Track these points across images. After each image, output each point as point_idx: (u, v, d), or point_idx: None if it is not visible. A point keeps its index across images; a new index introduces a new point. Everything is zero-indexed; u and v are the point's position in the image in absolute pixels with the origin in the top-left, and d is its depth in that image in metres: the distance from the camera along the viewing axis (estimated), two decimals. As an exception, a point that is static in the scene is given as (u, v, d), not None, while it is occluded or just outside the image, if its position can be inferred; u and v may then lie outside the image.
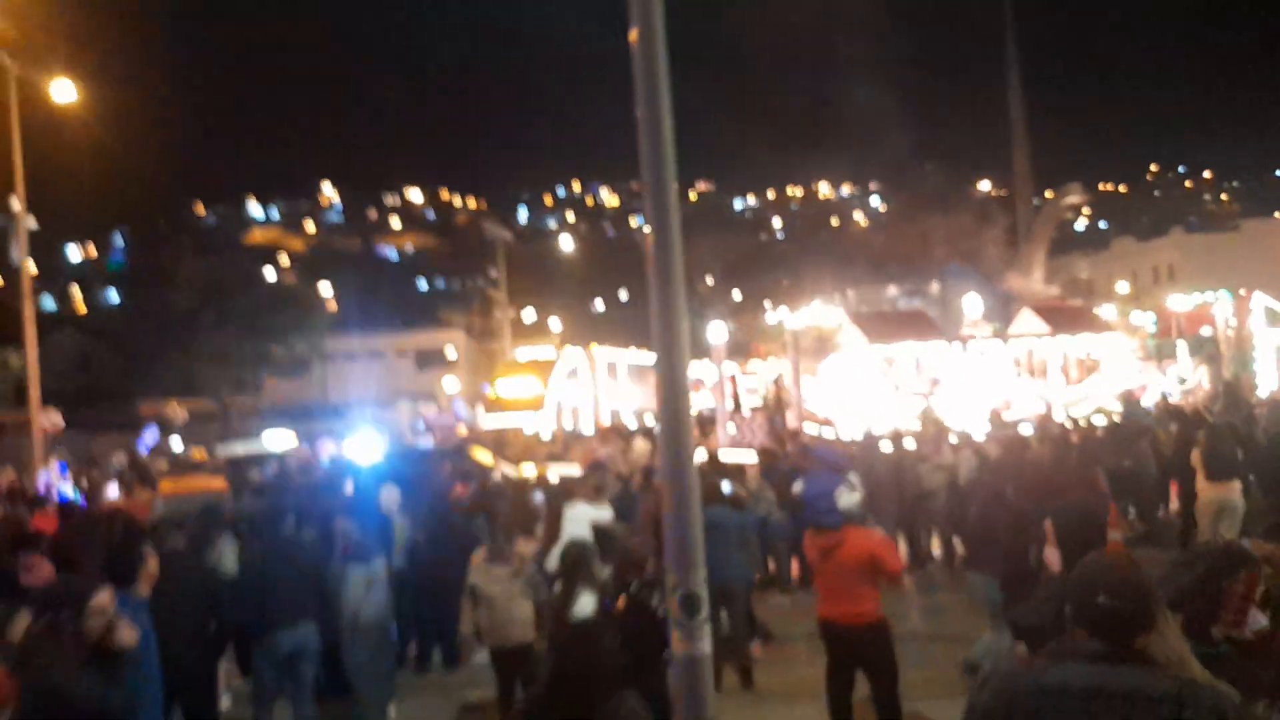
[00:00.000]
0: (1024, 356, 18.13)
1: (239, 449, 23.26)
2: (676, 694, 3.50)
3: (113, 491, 11.96)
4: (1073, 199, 36.88)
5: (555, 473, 12.52)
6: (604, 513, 7.28)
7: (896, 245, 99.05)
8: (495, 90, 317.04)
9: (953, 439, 12.81)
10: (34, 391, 16.07)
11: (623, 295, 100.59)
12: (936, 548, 12.09)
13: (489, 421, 28.26)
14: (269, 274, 45.21)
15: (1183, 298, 20.88)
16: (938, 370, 17.66)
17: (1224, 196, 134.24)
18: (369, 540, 7.32)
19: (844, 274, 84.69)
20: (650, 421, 27.56)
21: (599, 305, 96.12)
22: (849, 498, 6.11)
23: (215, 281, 29.79)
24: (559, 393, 28.06)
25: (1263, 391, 16.21)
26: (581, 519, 6.65)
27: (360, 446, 14.52)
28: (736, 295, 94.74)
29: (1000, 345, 18.20)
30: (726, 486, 8.86)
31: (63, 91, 17.09)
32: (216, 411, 31.86)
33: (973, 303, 20.66)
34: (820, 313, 18.33)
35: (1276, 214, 60.69)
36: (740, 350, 69.05)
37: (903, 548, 11.60)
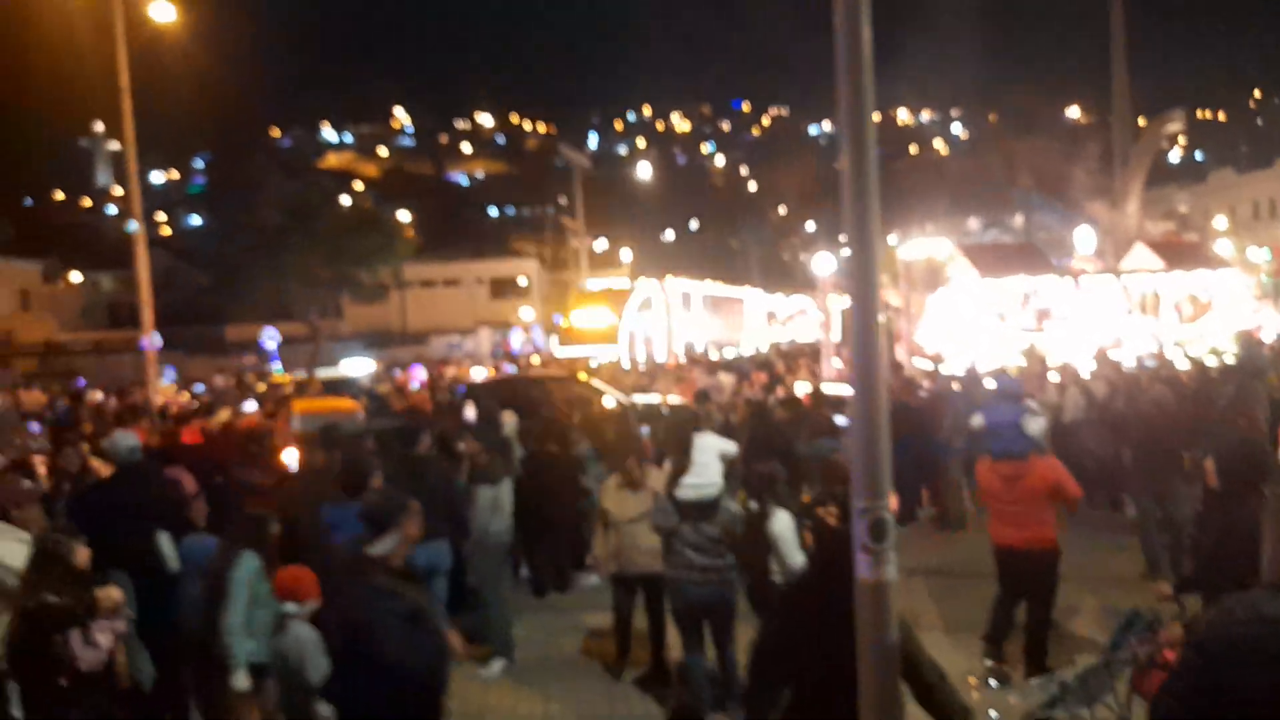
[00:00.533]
0: (1137, 293, 17.33)
1: (328, 373, 23.89)
2: (862, 620, 3.42)
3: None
4: (1173, 126, 34.69)
5: (647, 402, 12.43)
6: (728, 444, 7.09)
7: (979, 173, 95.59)
8: (565, 14, 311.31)
9: (1055, 376, 12.43)
10: (147, 314, 16.50)
11: (693, 225, 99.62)
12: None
13: (563, 352, 28.25)
14: (345, 199, 45.30)
15: None
16: (1048, 305, 17.06)
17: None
18: (494, 462, 7.36)
19: (923, 205, 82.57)
20: (730, 353, 27.26)
21: (670, 234, 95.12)
22: (1036, 425, 6.56)
23: (302, 203, 30.03)
24: (632, 324, 27.99)
25: None
26: (710, 449, 6.40)
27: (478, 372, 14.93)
28: (810, 226, 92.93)
29: (1113, 280, 17.41)
30: (841, 420, 8.70)
31: (163, 12, 17.11)
32: (307, 334, 32.48)
33: (1085, 236, 19.80)
34: (931, 244, 17.80)
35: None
36: (811, 285, 68.14)
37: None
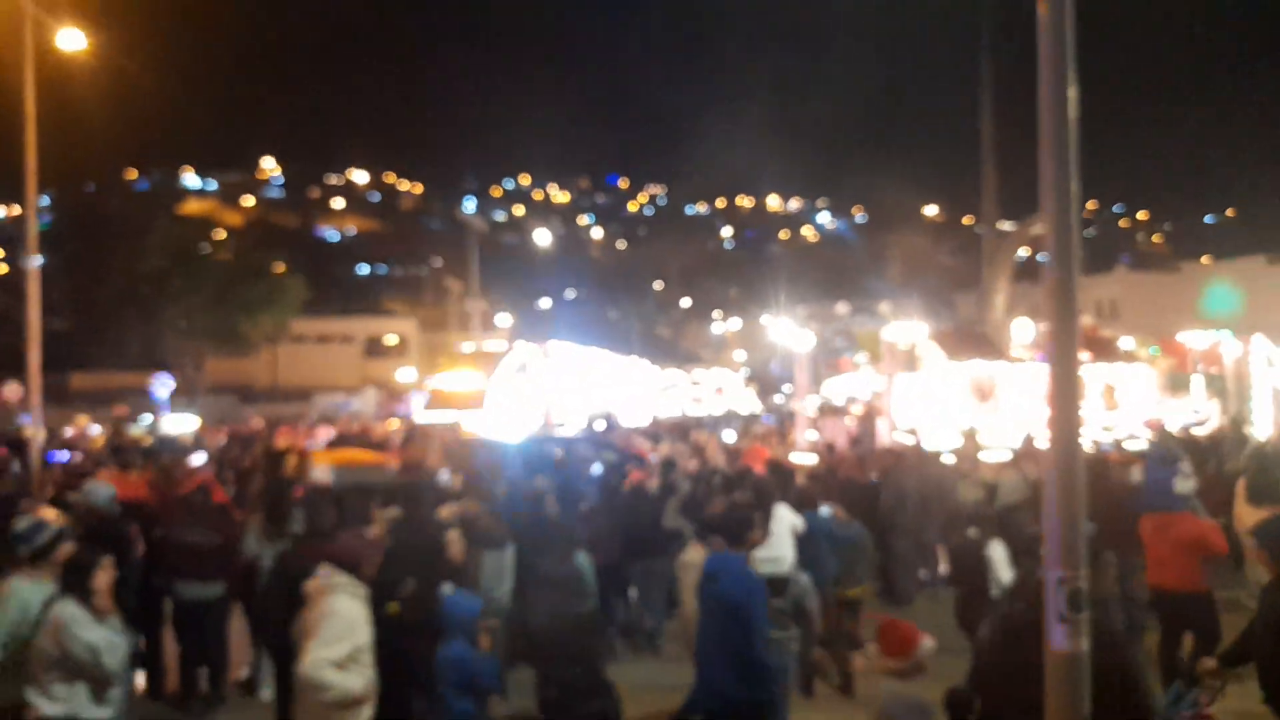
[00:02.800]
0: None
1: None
2: (1053, 690, 3.45)
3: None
4: (1038, 229, 37.60)
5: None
6: (798, 519, 7.17)
7: (847, 260, 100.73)
8: (447, 79, 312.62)
9: (994, 456, 12.92)
10: (34, 355, 15.03)
11: (569, 294, 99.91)
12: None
13: (428, 416, 26.86)
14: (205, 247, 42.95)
15: (1199, 334, 22.10)
16: (998, 389, 17.97)
17: (1155, 238, 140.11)
18: (498, 525, 7.42)
19: (795, 288, 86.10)
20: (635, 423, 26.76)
21: (546, 302, 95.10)
22: (1185, 485, 7.28)
23: (184, 249, 28.03)
24: (503, 388, 27.36)
25: (1259, 430, 16.84)
26: (784, 521, 6.53)
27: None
28: (685, 302, 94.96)
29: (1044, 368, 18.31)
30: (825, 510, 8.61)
31: (72, 40, 16.10)
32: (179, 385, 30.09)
33: (1023, 326, 21.12)
34: (909, 327, 18.85)
35: (1204, 259, 63.59)
36: (690, 358, 69.42)
37: (943, 562, 11.65)
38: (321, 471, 9.44)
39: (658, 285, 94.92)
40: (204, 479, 9.40)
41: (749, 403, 40.09)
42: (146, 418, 24.20)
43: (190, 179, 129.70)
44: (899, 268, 57.60)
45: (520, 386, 28.70)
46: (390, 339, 57.47)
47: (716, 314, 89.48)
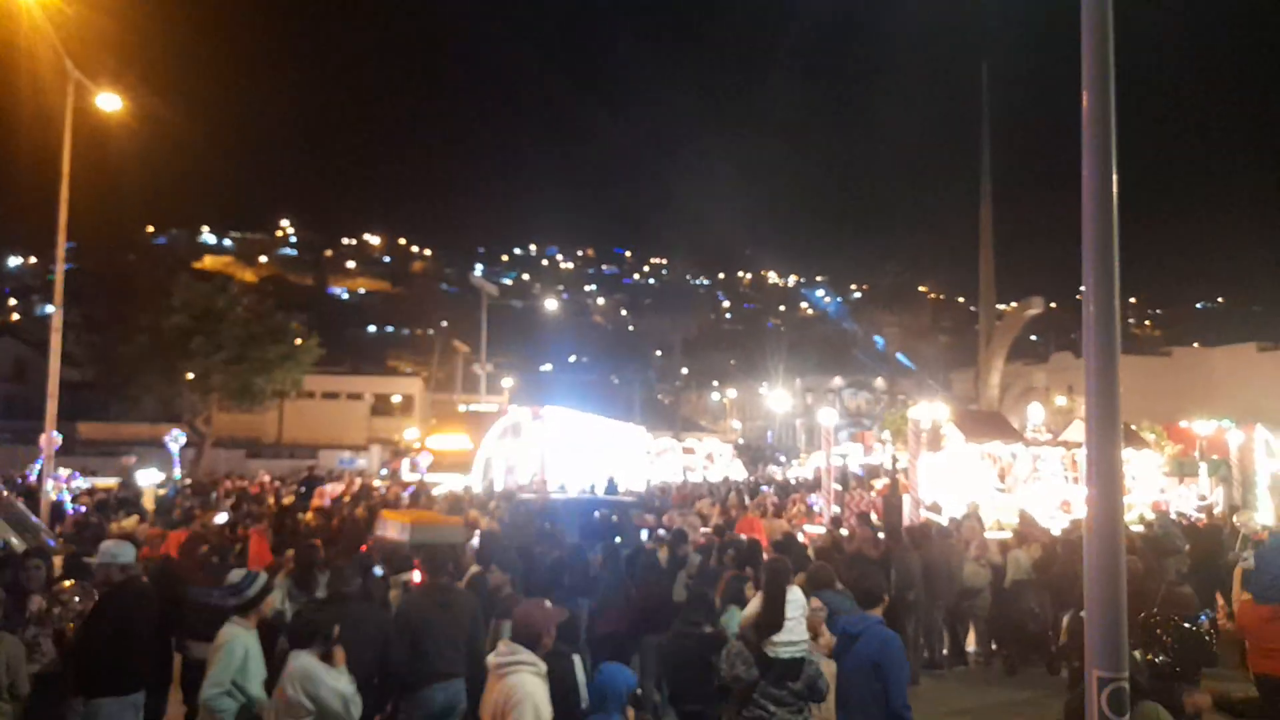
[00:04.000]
0: (1069, 462, 19.01)
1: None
2: None
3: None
4: (1033, 310, 38.60)
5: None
6: (804, 601, 6.79)
7: (842, 335, 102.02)
8: (460, 149, 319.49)
9: (1002, 535, 13.32)
10: (51, 406, 15.45)
11: (571, 359, 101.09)
12: (972, 644, 12.32)
13: (414, 476, 27.00)
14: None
15: (1205, 422, 22.34)
16: (1015, 470, 18.79)
17: (1147, 323, 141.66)
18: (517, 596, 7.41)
19: (793, 360, 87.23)
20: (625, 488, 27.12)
21: (548, 366, 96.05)
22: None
23: (207, 307, 29.18)
24: (492, 451, 27.45)
25: (1262, 517, 17.01)
26: (799, 604, 6.19)
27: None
28: (685, 370, 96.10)
29: (1058, 451, 19.14)
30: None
31: (109, 103, 17.11)
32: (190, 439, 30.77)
33: (1035, 410, 21.92)
34: (934, 408, 19.54)
35: (1196, 344, 64.50)
36: (688, 425, 69.86)
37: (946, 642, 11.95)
38: (396, 529, 9.49)
39: (659, 354, 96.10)
40: (222, 539, 9.90)
41: (737, 472, 40.72)
42: (151, 472, 24.31)
43: (207, 237, 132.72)
44: (895, 344, 58.38)
45: (511, 448, 29.24)
46: (397, 398, 58.46)
47: (715, 383, 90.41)
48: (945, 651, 11.97)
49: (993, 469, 18.68)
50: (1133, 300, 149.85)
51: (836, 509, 16.87)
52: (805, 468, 46.25)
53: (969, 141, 38.78)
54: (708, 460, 42.61)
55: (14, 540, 10.24)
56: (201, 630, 7.61)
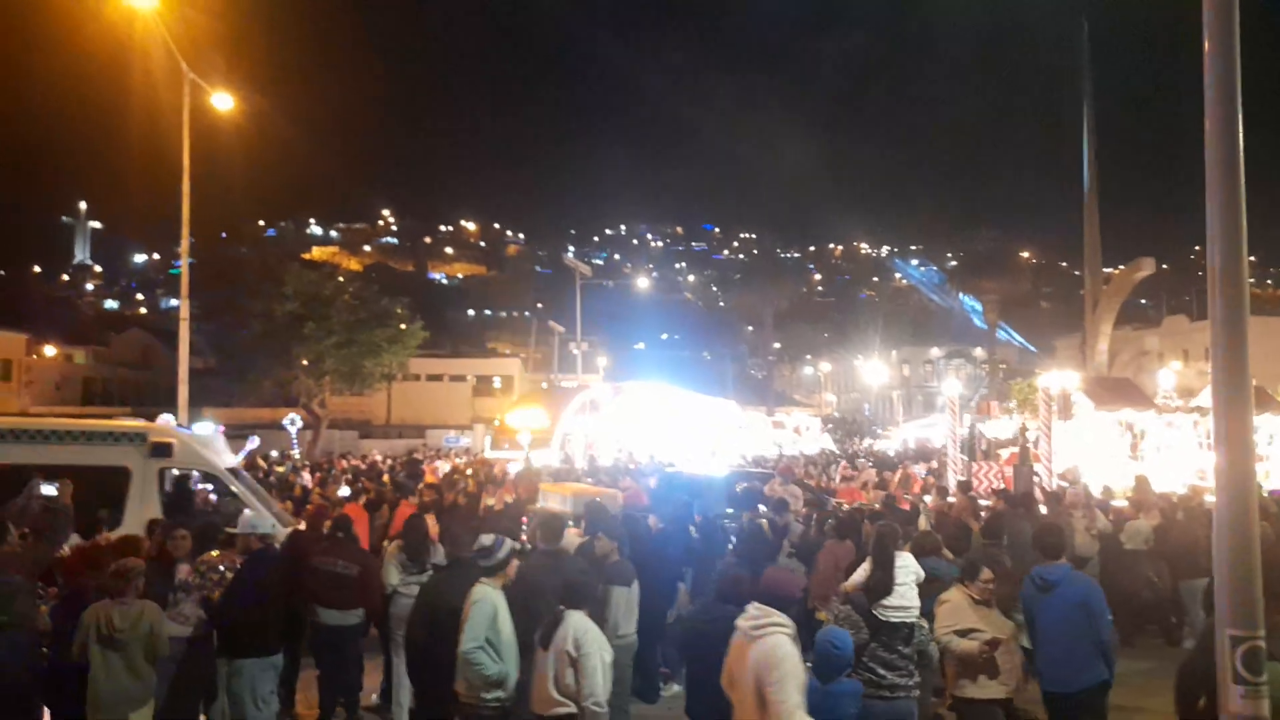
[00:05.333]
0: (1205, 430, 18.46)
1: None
2: None
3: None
4: (1144, 272, 36.98)
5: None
6: (918, 566, 6.84)
7: (939, 306, 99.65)
8: (550, 135, 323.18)
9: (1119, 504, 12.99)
10: (183, 392, 16.53)
11: (663, 337, 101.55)
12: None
13: (495, 452, 27.58)
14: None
15: None
16: (1141, 437, 18.39)
17: (1268, 283, 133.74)
18: (627, 562, 7.69)
19: (886, 333, 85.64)
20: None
21: (641, 345, 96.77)
22: None
23: (316, 295, 30.65)
24: (570, 426, 27.65)
25: None
26: (910, 569, 6.30)
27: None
28: (777, 345, 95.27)
29: (1194, 418, 18.56)
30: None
31: (224, 102, 17.93)
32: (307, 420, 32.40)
33: (1165, 376, 21.26)
34: (1064, 376, 19.23)
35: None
36: (782, 400, 69.31)
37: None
38: (558, 500, 10.01)
39: (750, 329, 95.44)
40: (345, 511, 10.08)
41: (825, 445, 40.48)
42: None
43: (314, 228, 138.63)
44: (994, 312, 56.60)
45: (589, 424, 29.21)
46: (497, 380, 60.11)
47: (808, 357, 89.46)
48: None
49: (1124, 437, 18.12)
50: (1251, 259, 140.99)
51: (962, 479, 16.67)
52: (892, 439, 45.66)
53: (1070, 100, 37.31)
54: (795, 433, 42.40)
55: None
56: (326, 597, 8.26)
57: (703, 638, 5.54)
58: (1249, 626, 3.14)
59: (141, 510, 9.79)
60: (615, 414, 28.65)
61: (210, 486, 11.59)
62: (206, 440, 11.70)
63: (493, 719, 5.90)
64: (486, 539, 6.20)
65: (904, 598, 6.09)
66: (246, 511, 8.39)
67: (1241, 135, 3.45)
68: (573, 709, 5.54)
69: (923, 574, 6.82)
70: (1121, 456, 17.73)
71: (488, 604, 5.88)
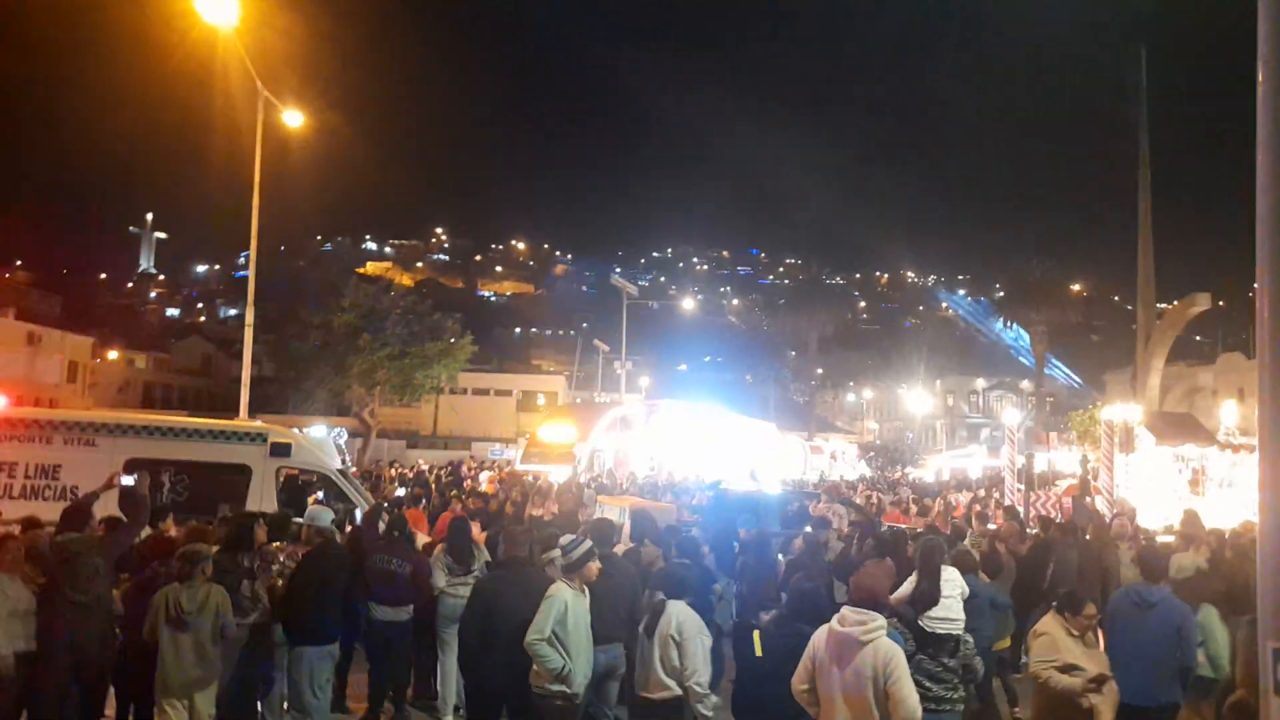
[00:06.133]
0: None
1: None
2: None
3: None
4: (1198, 308, 36.27)
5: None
6: (963, 582, 6.97)
7: (981, 335, 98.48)
8: (599, 158, 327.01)
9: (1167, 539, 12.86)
10: (244, 395, 17.06)
11: (706, 359, 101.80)
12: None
13: (525, 465, 27.41)
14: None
15: None
16: (1203, 471, 18.27)
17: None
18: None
19: (934, 360, 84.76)
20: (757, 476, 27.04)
21: (684, 367, 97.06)
22: None
23: (373, 308, 31.57)
24: (599, 442, 27.75)
25: None
26: (955, 583, 6.44)
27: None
28: (820, 370, 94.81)
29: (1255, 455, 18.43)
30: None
31: (295, 119, 18.59)
32: (357, 429, 33.23)
33: (1229, 411, 21.15)
34: (1126, 409, 19.23)
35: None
36: (824, 425, 68.88)
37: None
38: (615, 512, 10.47)
39: (793, 353, 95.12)
40: (402, 513, 10.70)
41: (862, 471, 40.37)
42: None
43: (369, 244, 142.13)
44: (1042, 344, 55.65)
45: (620, 440, 29.27)
46: (540, 396, 60.74)
47: (851, 383, 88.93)
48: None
49: (1184, 473, 17.97)
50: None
51: (1008, 505, 16.66)
52: (927, 469, 45.27)
53: (1126, 131, 36.87)
54: (831, 459, 42.32)
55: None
56: (381, 593, 8.52)
57: (777, 652, 5.60)
58: None
59: (261, 504, 10.27)
60: (649, 432, 28.80)
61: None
62: (320, 443, 12.32)
63: (564, 710, 6.11)
64: (565, 538, 6.47)
65: (950, 610, 6.16)
66: (312, 506, 8.76)
67: None
68: (678, 691, 5.85)
69: (969, 590, 6.96)
70: (1182, 491, 17.54)
71: (559, 600, 6.10)
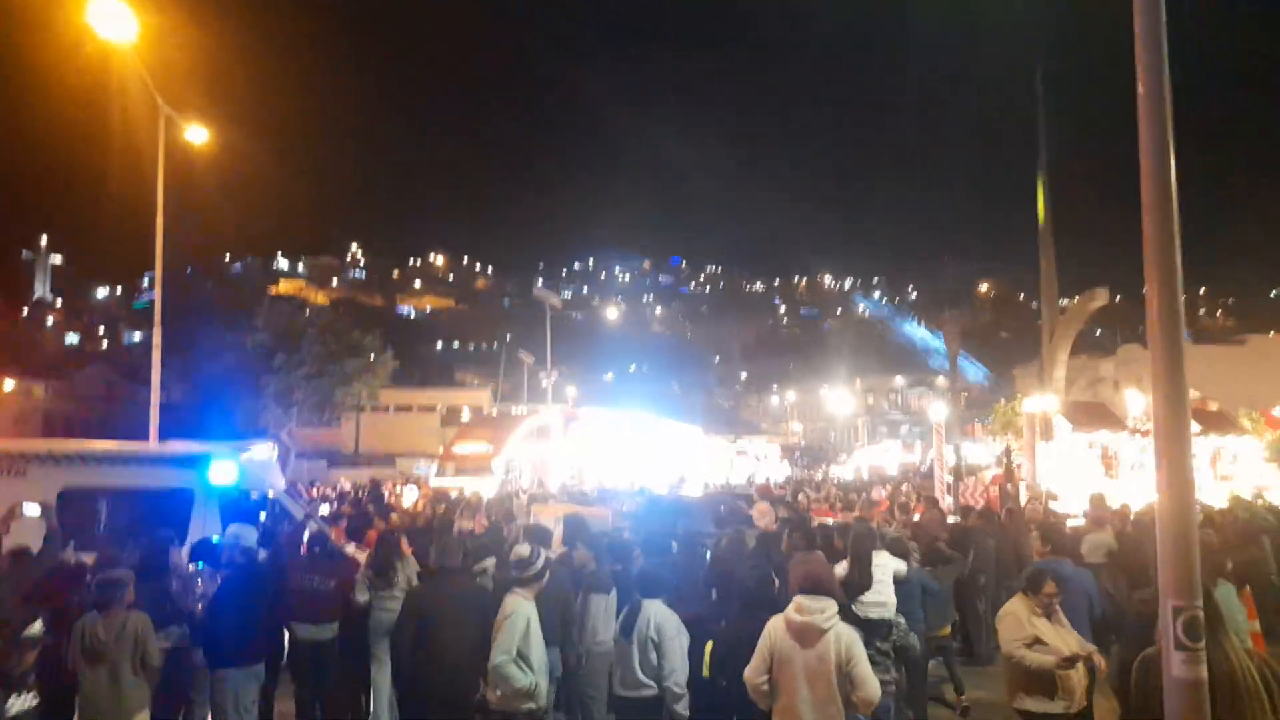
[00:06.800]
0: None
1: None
2: (1171, 714, 3.50)
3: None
4: (1096, 303, 37.99)
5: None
6: (900, 563, 7.37)
7: (901, 337, 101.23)
8: (517, 169, 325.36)
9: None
10: (154, 421, 16.45)
11: (631, 368, 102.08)
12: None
13: (439, 481, 27.06)
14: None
15: None
16: (1115, 456, 19.03)
17: (1219, 312, 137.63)
18: (604, 570, 7.76)
19: (854, 361, 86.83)
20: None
21: (609, 376, 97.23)
22: None
23: (289, 327, 30.80)
24: (516, 453, 27.56)
25: None
26: (887, 567, 6.70)
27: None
28: (744, 375, 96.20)
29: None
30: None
31: (198, 135, 18.06)
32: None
33: (1134, 399, 22.24)
34: (1044, 400, 19.93)
35: (1273, 333, 62.29)
36: (749, 428, 69.96)
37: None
38: (551, 521, 10.37)
39: (717, 360, 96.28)
40: (319, 530, 10.27)
41: (783, 472, 41.21)
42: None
43: (280, 262, 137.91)
44: (956, 343, 57.67)
45: (538, 451, 28.74)
46: (465, 410, 60.05)
47: (775, 387, 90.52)
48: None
49: (1097, 458, 18.83)
50: (1202, 291, 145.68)
51: (930, 495, 17.28)
52: (846, 467, 46.50)
53: (1026, 136, 38.40)
54: (755, 460, 43.09)
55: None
56: (303, 612, 8.42)
57: (738, 644, 5.65)
58: (1188, 597, 3.43)
59: (204, 529, 9.92)
60: (568, 441, 28.68)
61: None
62: (264, 463, 11.94)
63: None
64: (524, 549, 6.28)
65: (880, 594, 6.34)
66: (232, 526, 8.54)
67: (1174, 176, 3.83)
68: (656, 690, 5.87)
69: (903, 568, 7.20)
70: (1097, 476, 18.34)
71: (520, 617, 5.97)
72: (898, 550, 7.95)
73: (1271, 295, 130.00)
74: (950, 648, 9.48)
